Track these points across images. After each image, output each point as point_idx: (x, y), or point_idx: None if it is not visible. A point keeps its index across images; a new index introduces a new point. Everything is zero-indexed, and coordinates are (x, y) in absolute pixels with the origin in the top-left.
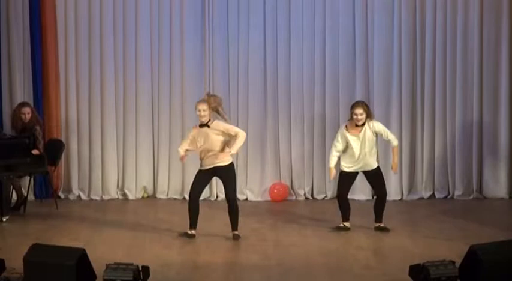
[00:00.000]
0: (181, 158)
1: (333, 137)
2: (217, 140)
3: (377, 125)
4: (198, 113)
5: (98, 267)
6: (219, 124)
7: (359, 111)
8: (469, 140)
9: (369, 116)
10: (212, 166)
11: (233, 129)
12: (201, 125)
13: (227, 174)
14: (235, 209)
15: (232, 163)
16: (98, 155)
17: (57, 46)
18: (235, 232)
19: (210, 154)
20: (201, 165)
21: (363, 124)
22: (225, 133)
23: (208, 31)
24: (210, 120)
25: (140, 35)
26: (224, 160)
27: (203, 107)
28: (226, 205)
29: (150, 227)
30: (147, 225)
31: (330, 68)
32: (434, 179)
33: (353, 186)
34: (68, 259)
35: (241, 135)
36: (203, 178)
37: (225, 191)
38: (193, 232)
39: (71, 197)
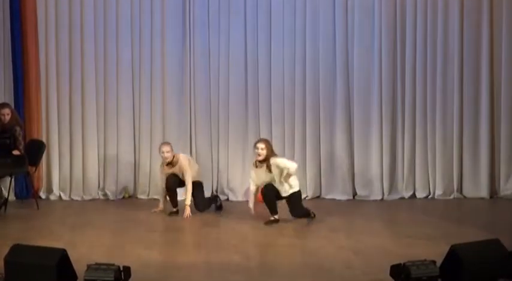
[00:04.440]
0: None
1: (313, 138)
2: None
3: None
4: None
5: (79, 268)
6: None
7: (261, 145)
8: (449, 139)
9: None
10: None
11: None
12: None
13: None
14: None
15: None
16: (79, 156)
17: (38, 46)
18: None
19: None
20: None
21: (265, 160)
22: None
23: (189, 31)
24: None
25: (121, 37)
26: None
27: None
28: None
29: (131, 228)
30: (128, 225)
31: (311, 68)
32: (415, 179)
33: (333, 186)
34: (48, 260)
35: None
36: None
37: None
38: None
39: (52, 197)
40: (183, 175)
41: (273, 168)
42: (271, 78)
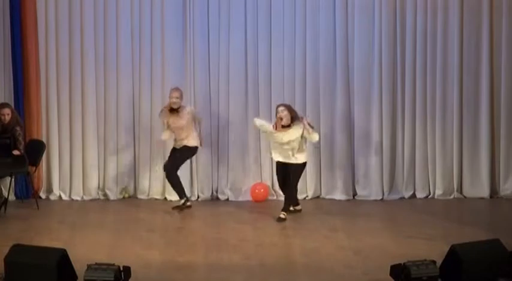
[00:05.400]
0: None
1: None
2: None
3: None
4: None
5: (79, 267)
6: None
7: (281, 108)
8: (449, 139)
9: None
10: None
11: None
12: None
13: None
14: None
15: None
16: (79, 156)
17: (38, 46)
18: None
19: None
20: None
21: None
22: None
23: (189, 31)
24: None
25: (121, 37)
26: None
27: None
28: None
29: (131, 228)
30: (128, 225)
31: (311, 67)
32: (415, 179)
33: (333, 186)
34: (49, 260)
35: None
36: None
37: None
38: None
39: (52, 197)
40: (183, 127)
41: (294, 131)
42: (271, 78)
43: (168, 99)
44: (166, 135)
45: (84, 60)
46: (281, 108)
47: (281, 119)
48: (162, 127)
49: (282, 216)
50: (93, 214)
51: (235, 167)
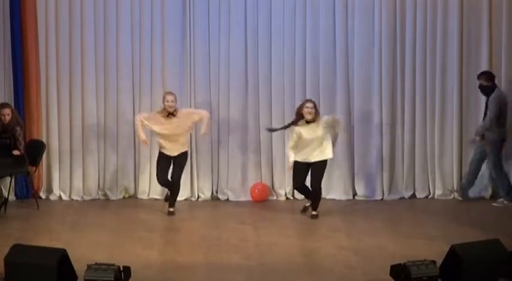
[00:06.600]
0: None
1: None
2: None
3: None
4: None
5: (79, 268)
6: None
7: (310, 105)
8: (449, 139)
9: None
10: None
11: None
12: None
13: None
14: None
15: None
16: (79, 156)
17: (38, 46)
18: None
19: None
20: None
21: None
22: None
23: (189, 30)
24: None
25: (121, 36)
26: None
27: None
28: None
29: (131, 228)
30: (128, 225)
31: (311, 67)
32: (415, 179)
33: (333, 186)
34: (49, 260)
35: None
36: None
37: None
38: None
39: (52, 197)
40: (179, 133)
41: (320, 127)
42: (271, 78)
43: (164, 103)
44: (143, 135)
45: (84, 60)
46: (310, 104)
47: (309, 113)
48: (139, 129)
49: (314, 213)
50: (93, 214)
51: (235, 167)
